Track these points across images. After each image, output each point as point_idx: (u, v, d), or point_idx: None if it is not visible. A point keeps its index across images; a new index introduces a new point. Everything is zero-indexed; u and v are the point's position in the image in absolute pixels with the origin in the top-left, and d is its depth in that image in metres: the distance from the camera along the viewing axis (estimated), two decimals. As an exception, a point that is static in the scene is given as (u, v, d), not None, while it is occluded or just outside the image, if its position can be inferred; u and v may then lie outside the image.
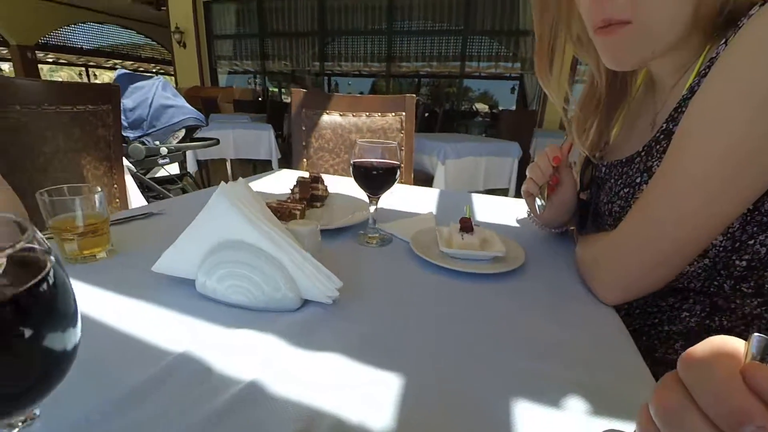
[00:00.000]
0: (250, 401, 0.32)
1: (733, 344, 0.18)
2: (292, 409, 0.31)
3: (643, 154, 0.54)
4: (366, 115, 1.30)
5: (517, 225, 0.83)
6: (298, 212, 0.68)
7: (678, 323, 0.54)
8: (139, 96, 1.97)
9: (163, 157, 2.12)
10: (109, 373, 0.35)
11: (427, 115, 6.10)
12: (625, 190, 0.56)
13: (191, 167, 3.56)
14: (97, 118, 1.31)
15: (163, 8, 7.53)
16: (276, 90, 7.83)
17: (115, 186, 1.45)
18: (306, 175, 0.83)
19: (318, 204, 0.81)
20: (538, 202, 0.66)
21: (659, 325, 0.56)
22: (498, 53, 6.05)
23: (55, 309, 0.22)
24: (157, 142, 2.10)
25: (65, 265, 0.54)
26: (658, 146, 0.51)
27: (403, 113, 1.30)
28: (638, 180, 0.54)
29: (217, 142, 2.35)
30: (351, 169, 0.61)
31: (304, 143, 1.31)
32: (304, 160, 1.33)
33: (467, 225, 0.61)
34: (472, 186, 3.01)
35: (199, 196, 1.00)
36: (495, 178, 3.09)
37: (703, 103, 0.42)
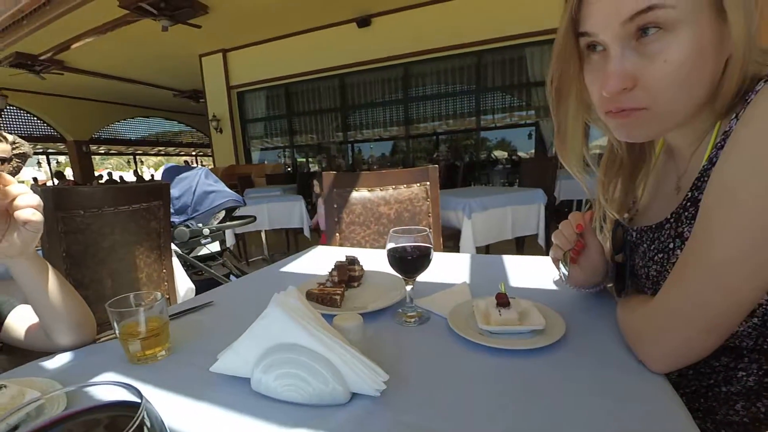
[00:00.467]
0: None
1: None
2: None
3: (672, 221, 0.55)
4: (393, 188, 1.38)
5: (554, 287, 0.82)
6: (338, 297, 0.72)
7: (735, 383, 0.51)
8: (185, 185, 2.17)
9: (205, 237, 2.27)
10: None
11: (447, 169, 6.25)
12: (660, 255, 0.57)
13: (229, 242, 3.75)
14: (150, 213, 1.44)
15: (201, 100, 8.46)
16: (304, 160, 8.36)
17: (164, 271, 1.55)
18: (342, 257, 0.87)
19: (355, 284, 0.85)
20: (563, 269, 0.68)
21: (715, 386, 0.53)
22: (512, 104, 6.28)
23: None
24: (200, 224, 2.26)
25: (129, 365, 0.59)
26: (686, 213, 0.52)
27: (428, 183, 1.37)
28: (671, 246, 0.54)
29: (254, 219, 2.50)
30: (387, 256, 0.65)
31: (336, 219, 1.39)
32: (337, 234, 1.40)
33: (504, 300, 0.62)
34: (501, 236, 2.98)
35: (242, 283, 1.06)
36: (523, 226, 3.07)
37: (722, 178, 0.44)
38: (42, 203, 0.56)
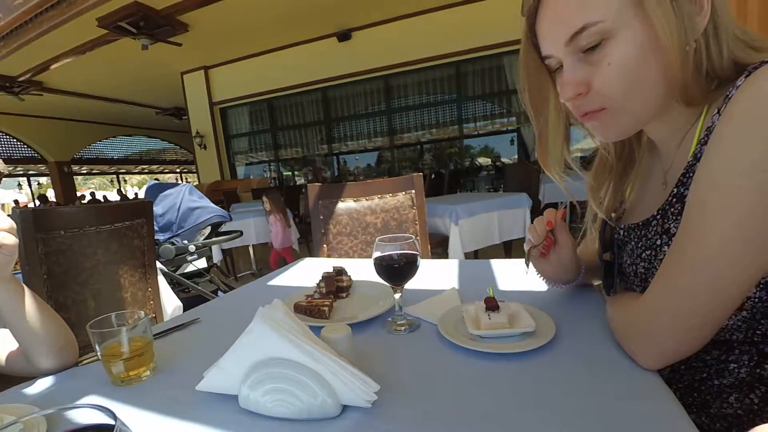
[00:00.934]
0: None
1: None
2: None
3: (659, 217, 0.56)
4: (378, 197, 1.38)
5: (543, 288, 0.83)
6: (326, 308, 0.71)
7: (728, 376, 0.52)
8: (168, 202, 2.13)
9: (191, 254, 2.23)
10: None
11: (433, 177, 6.31)
12: (647, 252, 0.58)
13: (216, 258, 3.69)
14: (133, 231, 1.41)
15: (184, 117, 8.40)
16: (290, 173, 8.32)
17: (149, 289, 1.51)
18: (330, 268, 0.87)
19: (344, 294, 0.84)
20: (525, 263, 0.74)
21: (708, 379, 0.54)
22: (493, 112, 6.40)
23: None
24: (185, 241, 2.22)
25: (113, 387, 0.57)
26: (672, 209, 0.53)
27: (413, 191, 1.38)
28: (658, 242, 0.55)
29: (240, 234, 2.47)
30: (374, 265, 0.65)
31: (323, 230, 1.38)
32: (324, 246, 1.39)
33: (492, 304, 0.63)
34: (489, 241, 3.01)
35: (229, 299, 1.04)
36: (509, 230, 3.11)
37: (707, 174, 0.45)
38: (15, 226, 0.55)
